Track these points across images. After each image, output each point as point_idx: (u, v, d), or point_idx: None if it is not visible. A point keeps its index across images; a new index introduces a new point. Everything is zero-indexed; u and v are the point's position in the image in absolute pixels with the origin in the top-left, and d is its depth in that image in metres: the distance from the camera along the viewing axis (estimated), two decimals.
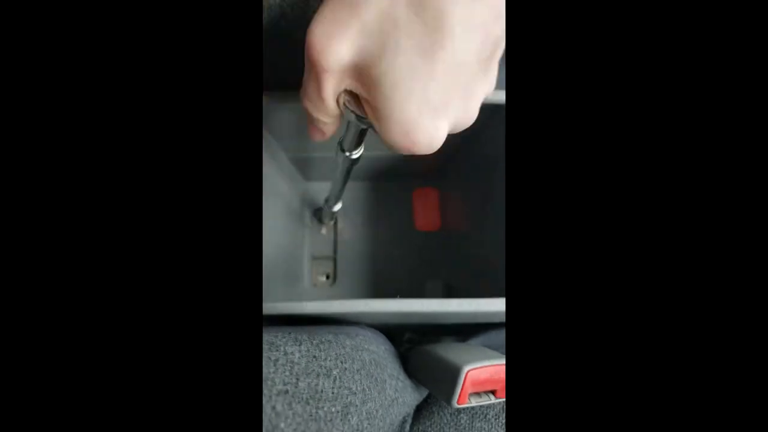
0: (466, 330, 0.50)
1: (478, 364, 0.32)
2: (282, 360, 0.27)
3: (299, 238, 0.56)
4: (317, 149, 0.50)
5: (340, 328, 0.34)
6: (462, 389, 0.31)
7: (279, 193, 0.52)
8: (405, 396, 0.33)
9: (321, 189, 0.59)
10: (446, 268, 0.55)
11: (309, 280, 0.56)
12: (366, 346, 0.32)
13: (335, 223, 0.58)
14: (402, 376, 0.34)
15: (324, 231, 0.57)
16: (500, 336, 0.43)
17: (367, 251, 0.57)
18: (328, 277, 0.56)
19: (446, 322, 0.41)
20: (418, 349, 0.38)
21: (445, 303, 0.32)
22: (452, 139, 0.25)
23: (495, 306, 0.32)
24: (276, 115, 0.41)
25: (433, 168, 0.56)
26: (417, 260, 0.56)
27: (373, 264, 0.56)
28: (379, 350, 0.33)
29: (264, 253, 0.46)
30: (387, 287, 0.55)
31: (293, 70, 0.30)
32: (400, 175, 0.57)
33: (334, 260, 0.56)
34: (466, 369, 0.31)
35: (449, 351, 0.35)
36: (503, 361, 0.32)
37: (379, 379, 0.30)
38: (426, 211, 0.57)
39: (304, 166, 0.54)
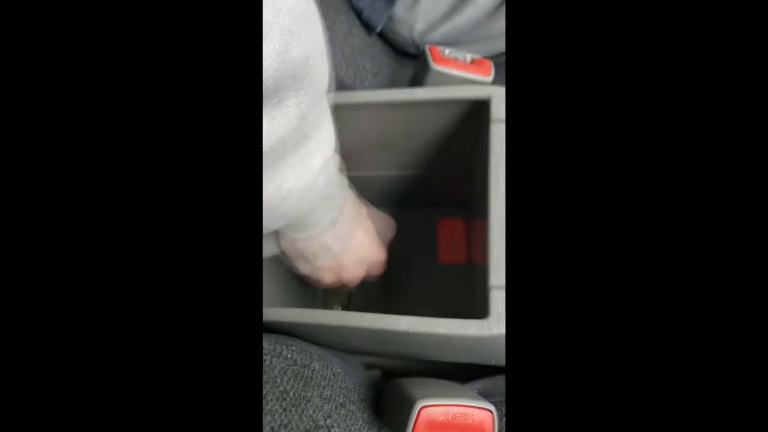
0: (481, 376, 0.44)
1: (437, 401, 0.26)
2: None
3: None
4: None
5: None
6: (414, 428, 0.26)
7: None
8: (339, 423, 0.28)
9: None
10: (469, 306, 0.49)
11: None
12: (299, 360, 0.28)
13: None
14: (351, 403, 0.30)
15: None
16: (502, 383, 0.37)
17: (385, 282, 0.53)
18: (342, 308, 0.53)
19: (420, 354, 0.35)
20: (392, 381, 0.33)
21: (390, 320, 0.27)
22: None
23: (455, 328, 0.26)
24: None
25: (460, 195, 0.51)
26: (438, 295, 0.51)
27: (390, 296, 0.52)
28: (316, 367, 0.29)
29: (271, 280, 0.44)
30: None
31: None
32: (423, 203, 0.53)
33: (349, 291, 0.53)
34: (420, 404, 0.26)
35: (414, 384, 0.30)
36: (475, 404, 0.27)
37: (301, 397, 0.26)
38: (451, 243, 0.52)
39: None
